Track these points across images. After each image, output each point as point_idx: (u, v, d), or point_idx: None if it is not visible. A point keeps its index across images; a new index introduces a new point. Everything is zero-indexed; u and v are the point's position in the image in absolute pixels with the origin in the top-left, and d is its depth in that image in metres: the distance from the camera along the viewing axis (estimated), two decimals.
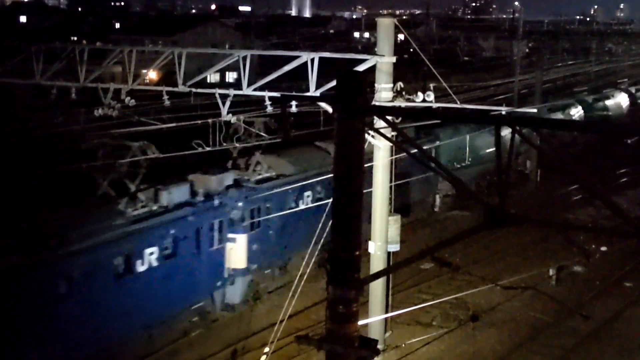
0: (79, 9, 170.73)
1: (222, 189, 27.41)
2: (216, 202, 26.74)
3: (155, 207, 24.87)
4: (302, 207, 30.74)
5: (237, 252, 27.57)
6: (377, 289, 24.43)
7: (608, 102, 64.37)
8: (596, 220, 39.09)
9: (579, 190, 42.42)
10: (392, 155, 24.21)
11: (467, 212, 40.53)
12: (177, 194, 25.61)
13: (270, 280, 30.02)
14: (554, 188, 45.60)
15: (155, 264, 24.30)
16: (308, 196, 31.36)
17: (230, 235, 27.40)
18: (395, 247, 24.77)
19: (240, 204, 27.76)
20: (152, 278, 24.25)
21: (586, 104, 60.92)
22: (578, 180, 11.31)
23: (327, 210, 30.14)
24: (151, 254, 24.18)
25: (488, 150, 42.54)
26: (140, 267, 23.87)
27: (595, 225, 37.19)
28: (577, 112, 58.38)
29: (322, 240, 30.00)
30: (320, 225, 29.25)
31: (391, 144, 23.27)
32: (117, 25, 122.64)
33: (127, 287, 23.52)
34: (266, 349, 21.73)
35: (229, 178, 28.16)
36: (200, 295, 26.73)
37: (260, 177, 29.79)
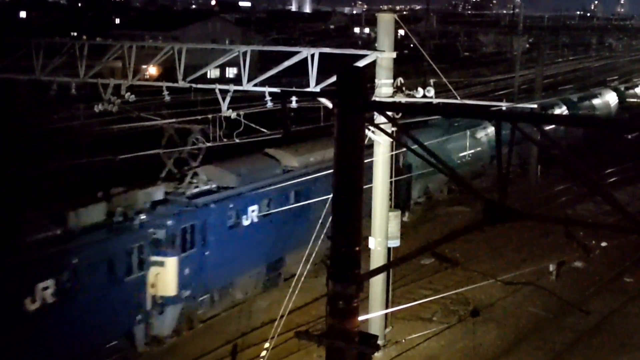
0: (79, 5, 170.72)
1: (148, 206, 23.99)
2: (136, 222, 23.13)
3: (58, 232, 21.32)
4: (245, 223, 27.47)
5: (165, 277, 24.02)
6: (377, 284, 24.46)
7: (595, 101, 63.63)
8: (596, 216, 39.09)
9: (578, 185, 42.46)
10: (392, 151, 24.24)
11: (467, 207, 40.53)
12: (87, 214, 22.00)
13: (208, 307, 26.71)
14: (552, 184, 45.63)
15: (50, 300, 20.43)
16: (253, 211, 27.68)
17: (156, 259, 23.75)
18: (395, 243, 24.82)
19: (169, 222, 23.96)
20: (47, 318, 20.40)
21: (571, 103, 59.64)
22: (578, 175, 11.31)
23: (276, 224, 28.30)
24: (45, 289, 20.29)
25: (462, 154, 42.31)
26: (31, 306, 20.03)
27: (595, 220, 37.20)
28: (561, 112, 57.40)
29: (267, 259, 28.56)
30: (267, 241, 27.87)
31: (391, 140, 23.30)
32: (117, 21, 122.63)
33: (14, 329, 19.78)
34: (266, 344, 21.78)
35: (157, 192, 24.88)
36: (114, 333, 23.10)
37: (196, 190, 26.42)
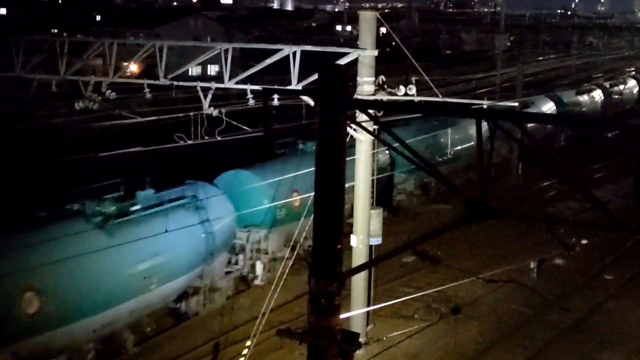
0: (60, 1, 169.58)
1: None
2: None
3: None
4: None
5: None
6: (359, 282, 24.50)
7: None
8: (577, 213, 39.30)
9: (559, 183, 42.66)
10: (374, 149, 24.27)
11: (449, 205, 40.65)
12: None
13: None
14: (533, 181, 45.82)
15: None
16: None
17: None
18: (377, 241, 24.85)
19: None
20: None
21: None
22: (559, 173, 11.37)
23: None
24: None
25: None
26: None
27: (576, 218, 37.41)
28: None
29: None
30: None
31: (373, 138, 23.32)
32: (98, 18, 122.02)
33: None
34: (248, 342, 21.74)
35: None
36: None
37: None
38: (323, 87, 9.74)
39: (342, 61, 22.38)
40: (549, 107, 57.91)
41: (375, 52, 23.12)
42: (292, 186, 29.23)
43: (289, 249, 26.88)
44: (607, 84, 71.81)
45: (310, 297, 10.00)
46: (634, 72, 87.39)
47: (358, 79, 23.14)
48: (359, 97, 22.46)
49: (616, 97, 70.62)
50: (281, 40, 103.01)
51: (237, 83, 24.02)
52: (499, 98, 47.95)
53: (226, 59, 24.28)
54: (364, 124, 14.35)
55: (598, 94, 67.00)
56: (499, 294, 29.64)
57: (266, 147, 33.02)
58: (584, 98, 63.88)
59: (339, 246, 9.99)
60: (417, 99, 23.68)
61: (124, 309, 22.62)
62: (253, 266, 29.29)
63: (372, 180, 24.57)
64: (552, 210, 40.99)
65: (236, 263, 29.08)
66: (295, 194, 29.83)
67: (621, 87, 73.65)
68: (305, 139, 33.47)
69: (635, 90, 77.18)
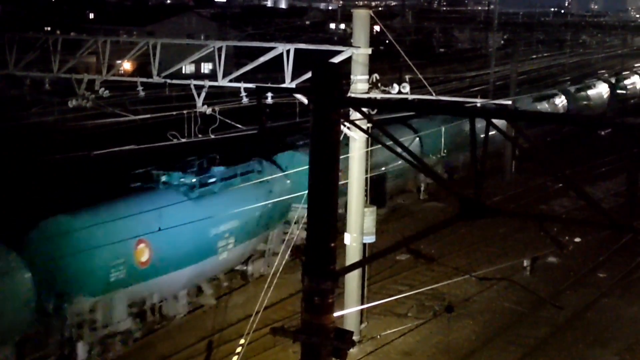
0: None
1: None
2: None
3: None
4: None
5: None
6: (352, 280, 24.51)
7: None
8: (570, 212, 39.37)
9: (553, 181, 42.76)
10: (367, 147, 24.28)
11: (443, 203, 40.68)
12: None
13: None
14: (526, 179, 45.85)
15: None
16: None
17: None
18: (370, 239, 24.86)
19: None
20: None
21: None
22: (552, 171, 11.39)
23: None
24: None
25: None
26: None
27: (569, 216, 37.47)
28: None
29: None
30: None
31: (367, 136, 23.34)
32: (92, 16, 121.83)
33: None
34: (242, 341, 21.73)
35: None
36: None
37: None
38: (316, 86, 9.74)
39: (336, 59, 22.37)
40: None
41: (369, 50, 23.13)
42: (138, 235, 22.93)
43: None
44: (572, 89, 65.29)
45: (303, 295, 10.00)
46: (606, 75, 78.83)
47: (352, 77, 23.14)
48: (353, 95, 22.46)
49: (583, 103, 63.96)
50: (275, 38, 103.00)
51: (230, 81, 24.00)
52: (493, 96, 48.03)
53: (220, 57, 24.26)
54: (357, 122, 14.38)
55: (560, 101, 61.10)
56: (492, 292, 29.68)
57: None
58: (544, 105, 57.60)
59: (333, 244, 10.00)
60: (410, 97, 23.70)
61: None
62: (72, 350, 22.18)
63: (366, 178, 24.59)
64: (545, 208, 41.06)
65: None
66: (143, 245, 23.49)
67: (589, 91, 66.83)
68: (168, 169, 26.73)
69: (606, 95, 69.79)
